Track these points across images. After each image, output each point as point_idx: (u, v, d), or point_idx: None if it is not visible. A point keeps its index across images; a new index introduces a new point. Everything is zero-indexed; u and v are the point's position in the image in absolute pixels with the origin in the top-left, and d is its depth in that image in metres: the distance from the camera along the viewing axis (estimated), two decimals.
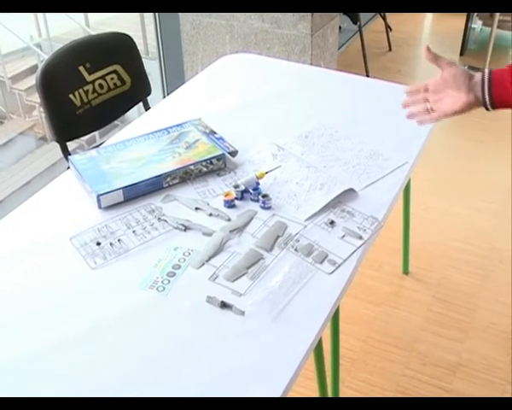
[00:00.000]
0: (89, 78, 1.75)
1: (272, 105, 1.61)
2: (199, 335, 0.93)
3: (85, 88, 1.73)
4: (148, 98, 1.92)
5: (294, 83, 1.72)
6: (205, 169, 1.32)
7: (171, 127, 1.44)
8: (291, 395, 0.87)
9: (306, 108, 1.60)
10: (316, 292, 1.01)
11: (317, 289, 1.01)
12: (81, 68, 1.72)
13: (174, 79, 2.78)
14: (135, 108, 1.92)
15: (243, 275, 1.04)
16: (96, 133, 2.66)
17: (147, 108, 1.89)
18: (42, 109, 1.72)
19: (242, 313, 0.96)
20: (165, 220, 1.17)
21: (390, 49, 3.71)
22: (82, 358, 0.90)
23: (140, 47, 1.86)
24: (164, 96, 2.75)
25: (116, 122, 2.37)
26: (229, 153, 1.35)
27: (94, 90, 1.76)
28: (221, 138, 1.40)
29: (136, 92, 1.87)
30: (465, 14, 3.58)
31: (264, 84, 1.73)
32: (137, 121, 1.59)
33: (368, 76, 3.23)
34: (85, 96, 1.73)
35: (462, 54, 3.59)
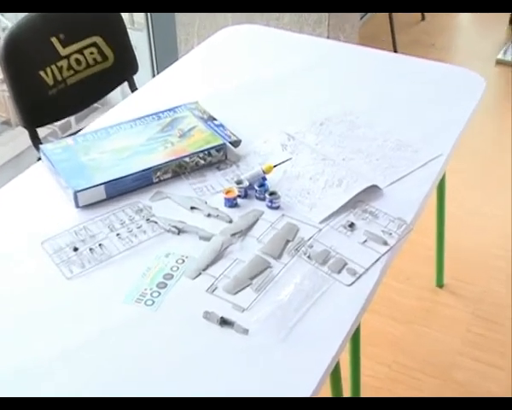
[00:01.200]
0: (63, 51, 1.75)
1: (282, 87, 1.63)
2: (194, 357, 0.95)
3: (59, 64, 1.74)
4: (135, 77, 1.93)
5: (308, 60, 1.74)
6: (202, 162, 1.33)
7: (162, 112, 1.45)
8: None
9: (322, 90, 1.62)
10: (332, 307, 1.02)
11: (334, 304, 1.02)
12: (54, 40, 1.73)
13: (165, 54, 2.79)
14: (118, 88, 1.94)
15: (247, 287, 1.05)
16: (71, 118, 2.68)
17: (133, 88, 1.91)
18: (5, 88, 1.72)
19: (246, 331, 0.98)
20: (155, 222, 1.18)
21: (423, 19, 3.68)
22: (52, 387, 0.91)
23: (124, 15, 1.87)
24: (153, 75, 2.77)
25: (96, 105, 2.38)
26: (230, 143, 1.36)
27: (69, 67, 1.77)
28: (221, 126, 1.41)
29: (120, 70, 1.89)
30: None
31: (272, 61, 1.75)
32: (122, 104, 1.60)
33: (396, 51, 3.24)
34: (59, 74, 1.74)
35: None
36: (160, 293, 1.05)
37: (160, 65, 2.81)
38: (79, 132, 1.45)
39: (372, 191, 1.25)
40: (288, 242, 1.14)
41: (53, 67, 1.72)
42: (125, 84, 1.93)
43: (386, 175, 1.30)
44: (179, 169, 1.31)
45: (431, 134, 1.43)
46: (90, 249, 1.13)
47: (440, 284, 2.07)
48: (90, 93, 1.84)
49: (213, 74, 1.70)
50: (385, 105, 1.54)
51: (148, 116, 1.44)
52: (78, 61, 1.78)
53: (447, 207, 1.94)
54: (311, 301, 1.02)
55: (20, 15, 1.72)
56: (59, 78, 1.74)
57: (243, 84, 1.64)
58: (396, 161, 1.34)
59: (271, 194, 1.23)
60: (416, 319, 1.95)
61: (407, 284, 2.07)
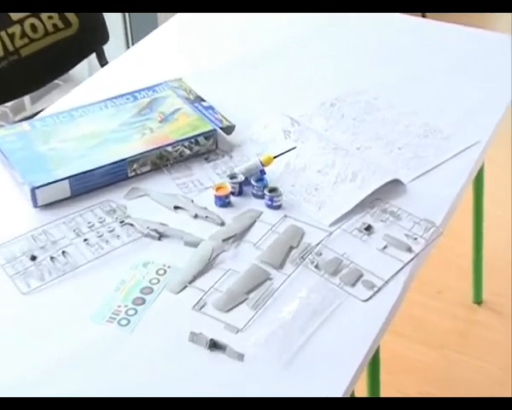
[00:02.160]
0: (15, 16, 1.75)
1: (283, 60, 1.65)
2: (178, 387, 0.96)
3: (10, 30, 1.74)
4: (105, 48, 1.94)
5: (315, 26, 1.75)
6: (188, 152, 1.35)
7: (138, 91, 1.47)
8: None
9: (332, 63, 1.64)
10: (346, 327, 1.03)
11: (348, 323, 1.04)
12: None
13: (142, 21, 2.80)
14: (85, 61, 1.96)
15: (242, 303, 1.07)
16: (26, 97, 2.69)
17: (103, 62, 1.92)
18: None
19: (240, 356, 0.99)
20: (131, 224, 1.20)
21: None
22: None
23: None
24: (128, 47, 2.78)
25: (57, 82, 2.39)
26: (222, 128, 1.38)
27: (23, 34, 1.76)
28: (211, 108, 1.43)
29: (87, 39, 1.90)
30: None
31: (272, 28, 1.76)
32: (89, 81, 1.62)
33: (424, 16, 3.26)
34: (10, 43, 1.74)
35: None
36: (136, 311, 1.06)
37: (135, 34, 2.82)
38: (37, 116, 1.46)
39: (393, 187, 1.27)
40: (291, 248, 1.16)
41: (2, 34, 1.72)
42: (93, 56, 1.94)
43: (411, 167, 1.32)
44: (160, 161, 1.33)
45: (466, 117, 1.44)
46: (52, 258, 1.14)
47: (478, 301, 2.09)
48: (49, 67, 1.85)
49: (200, 46, 1.72)
50: (409, 82, 1.56)
51: (121, 96, 1.45)
52: (33, 28, 1.78)
53: (486, 207, 1.95)
54: (320, 320, 1.04)
55: None
56: (10, 47, 1.74)
57: (238, 56, 1.66)
58: (423, 151, 1.36)
59: (271, 190, 1.24)
60: (448, 343, 1.97)
61: (437, 300, 2.09)
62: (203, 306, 1.06)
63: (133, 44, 1.79)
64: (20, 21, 1.75)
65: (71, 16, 1.84)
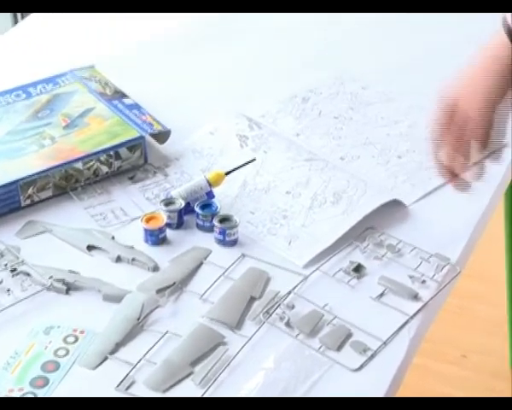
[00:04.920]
0: None
1: (237, 37, 1.67)
2: None
3: None
4: None
5: None
6: (105, 169, 1.36)
7: (33, 84, 1.48)
8: None
9: (305, 42, 1.67)
10: None
11: None
12: None
13: None
14: None
15: (185, 378, 1.07)
16: None
17: None
18: None
19: None
20: (27, 274, 1.20)
21: None
22: None
23: None
24: (16, 21, 2.78)
25: None
26: (152, 135, 1.40)
27: None
28: (136, 106, 1.45)
29: None
30: None
31: None
32: None
33: None
34: None
35: None
36: (35, 395, 1.06)
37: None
38: None
39: (391, 211, 1.30)
40: (252, 300, 1.18)
41: None
42: None
43: (415, 183, 1.35)
44: (66, 183, 1.34)
45: None
46: None
47: None
48: None
49: (117, 19, 1.74)
50: (411, 66, 1.60)
51: (8, 92, 1.46)
52: None
53: None
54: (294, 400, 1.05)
55: None
56: None
57: (173, 33, 1.69)
58: (432, 159, 1.38)
59: (223, 220, 1.26)
60: None
61: (461, 367, 2.11)
62: (131, 385, 1.06)
63: (22, 19, 1.80)
64: None
65: None
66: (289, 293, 1.18)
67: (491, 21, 1.70)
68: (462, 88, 1.21)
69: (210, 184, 1.30)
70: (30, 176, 1.31)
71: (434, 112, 1.21)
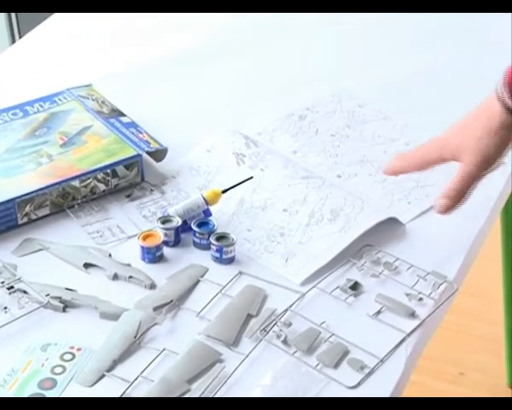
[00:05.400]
0: None
1: (234, 56, 1.67)
2: None
3: None
4: None
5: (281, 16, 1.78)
6: (102, 187, 1.36)
7: (30, 103, 1.48)
8: None
9: (302, 61, 1.67)
10: None
11: None
12: None
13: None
14: None
15: (183, 395, 1.07)
16: None
17: None
18: None
19: None
20: (24, 292, 1.20)
21: None
22: None
23: None
24: (13, 40, 2.79)
25: None
26: (149, 153, 1.40)
27: None
28: (133, 125, 1.45)
29: None
30: None
31: (216, 15, 1.79)
32: None
33: None
34: None
35: None
36: None
37: (22, 24, 2.83)
38: None
39: (388, 229, 1.30)
40: (249, 317, 1.18)
41: None
42: None
43: (412, 201, 1.36)
44: (63, 200, 1.34)
45: None
46: None
47: None
48: None
49: (117, 37, 1.75)
50: (407, 83, 1.60)
51: (5, 110, 1.46)
52: None
53: None
54: None
55: None
56: None
57: (170, 52, 1.69)
58: (428, 177, 1.39)
59: (220, 238, 1.26)
60: None
61: (459, 385, 2.11)
62: None
63: (20, 38, 1.80)
64: None
65: None
66: (286, 310, 1.18)
67: (486, 39, 1.71)
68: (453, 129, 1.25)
69: (207, 202, 1.30)
70: (27, 194, 1.31)
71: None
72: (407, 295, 1.21)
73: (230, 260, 1.26)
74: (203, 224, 1.29)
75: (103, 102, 1.49)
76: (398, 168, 1.28)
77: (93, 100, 1.49)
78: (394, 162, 1.28)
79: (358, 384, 1.09)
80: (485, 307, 2.10)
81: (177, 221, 1.29)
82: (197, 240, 1.29)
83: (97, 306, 1.18)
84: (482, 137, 1.19)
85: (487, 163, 1.19)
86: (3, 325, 1.16)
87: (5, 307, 1.19)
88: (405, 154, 1.30)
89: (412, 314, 1.18)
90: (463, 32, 1.75)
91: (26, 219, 1.32)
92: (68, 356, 1.13)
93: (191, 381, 1.09)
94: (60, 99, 1.49)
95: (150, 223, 1.31)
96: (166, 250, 1.28)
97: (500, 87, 1.18)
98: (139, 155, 1.38)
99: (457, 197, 1.19)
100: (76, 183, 1.34)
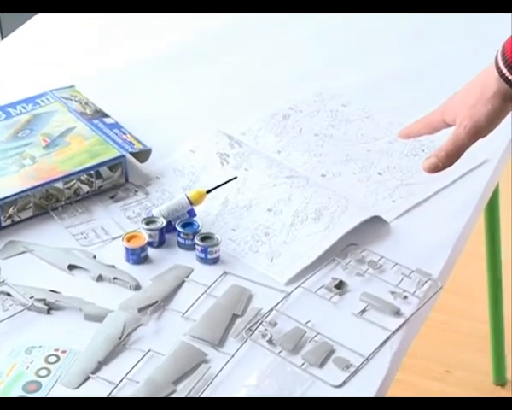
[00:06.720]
0: None
1: (215, 57, 1.68)
2: None
3: None
4: None
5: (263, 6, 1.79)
6: (86, 188, 1.37)
7: (12, 105, 1.48)
8: None
9: (285, 60, 1.67)
10: None
11: None
12: None
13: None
14: None
15: (168, 396, 1.07)
16: None
17: None
18: None
19: None
20: (8, 294, 1.20)
21: None
22: None
23: None
24: None
25: None
26: (133, 154, 1.40)
27: None
28: (117, 126, 1.45)
29: None
30: None
31: (200, 15, 1.79)
32: None
33: None
34: None
35: None
36: None
37: (5, 23, 2.82)
38: None
39: (373, 228, 1.30)
40: (234, 317, 1.18)
41: None
42: None
43: (396, 200, 1.36)
44: (46, 202, 1.34)
45: None
46: None
47: (501, 382, 2.13)
48: None
49: (100, 37, 1.75)
50: (391, 81, 1.61)
51: None
52: None
53: (504, 249, 1.99)
54: None
55: None
56: None
57: (149, 54, 1.69)
58: (412, 175, 1.40)
59: (205, 239, 1.27)
60: None
61: (446, 383, 2.11)
62: None
63: (3, 38, 1.80)
64: None
65: None
66: (271, 310, 1.19)
67: (471, 39, 1.72)
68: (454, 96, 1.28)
69: (191, 203, 1.30)
70: (10, 196, 1.31)
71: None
72: (392, 293, 1.21)
73: (215, 261, 1.27)
74: (188, 224, 1.29)
75: (86, 104, 1.49)
76: (411, 132, 1.33)
77: (76, 101, 1.49)
78: (409, 126, 1.32)
79: (344, 383, 1.09)
80: (470, 304, 2.10)
81: (162, 222, 1.29)
82: (182, 240, 1.29)
83: (82, 307, 1.19)
84: (475, 104, 1.21)
85: (476, 130, 1.21)
86: None
87: None
88: (417, 120, 1.33)
89: (397, 312, 1.19)
90: (447, 31, 1.76)
91: (9, 222, 1.32)
92: (53, 358, 1.13)
93: (177, 382, 1.09)
94: (43, 100, 1.49)
95: (134, 224, 1.32)
96: (151, 251, 1.28)
97: (497, 56, 1.21)
98: (123, 156, 1.38)
99: (445, 158, 1.22)
100: (59, 184, 1.34)
